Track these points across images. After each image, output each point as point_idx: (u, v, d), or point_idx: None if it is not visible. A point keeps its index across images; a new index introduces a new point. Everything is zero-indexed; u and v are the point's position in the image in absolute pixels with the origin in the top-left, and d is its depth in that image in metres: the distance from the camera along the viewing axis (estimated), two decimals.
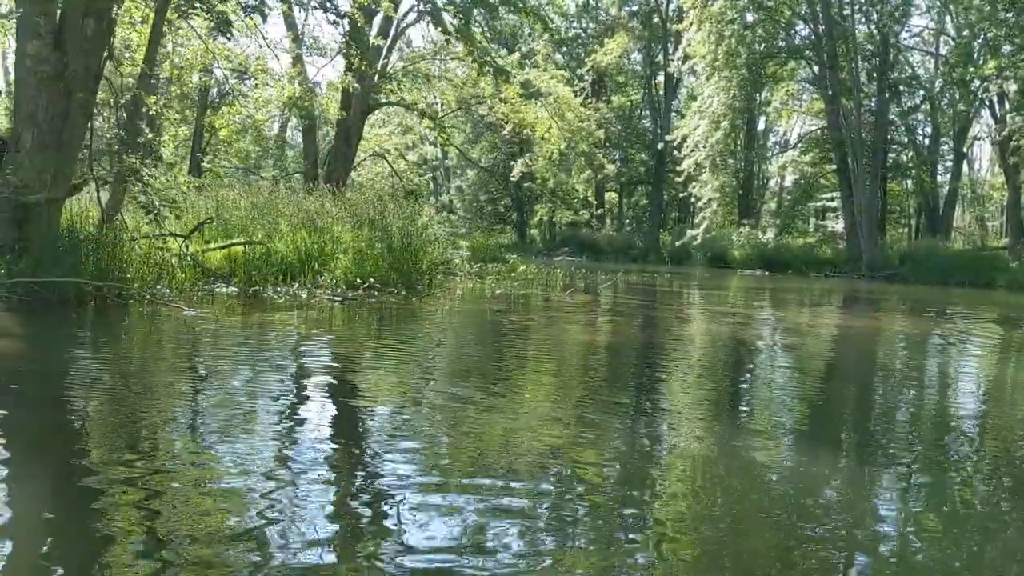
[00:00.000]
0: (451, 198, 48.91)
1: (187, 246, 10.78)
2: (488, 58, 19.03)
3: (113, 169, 9.30)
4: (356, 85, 17.47)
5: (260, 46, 17.82)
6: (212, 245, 11.66)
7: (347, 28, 13.23)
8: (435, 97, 28.60)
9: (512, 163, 30.65)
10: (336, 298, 10.23)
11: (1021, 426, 5.12)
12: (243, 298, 9.94)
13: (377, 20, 22.43)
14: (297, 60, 22.78)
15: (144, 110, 11.13)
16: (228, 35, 10.76)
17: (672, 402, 5.39)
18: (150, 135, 9.81)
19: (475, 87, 26.10)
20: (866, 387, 6.63)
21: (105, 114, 12.11)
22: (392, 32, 24.15)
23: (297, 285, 10.82)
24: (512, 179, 29.16)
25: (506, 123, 27.29)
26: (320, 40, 20.68)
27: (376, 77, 23.27)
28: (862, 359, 8.38)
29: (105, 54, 9.70)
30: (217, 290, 10.30)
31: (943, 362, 8.17)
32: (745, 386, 6.35)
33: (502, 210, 49.06)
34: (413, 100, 25.82)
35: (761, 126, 46.57)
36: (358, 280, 11.07)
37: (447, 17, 17.22)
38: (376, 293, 10.97)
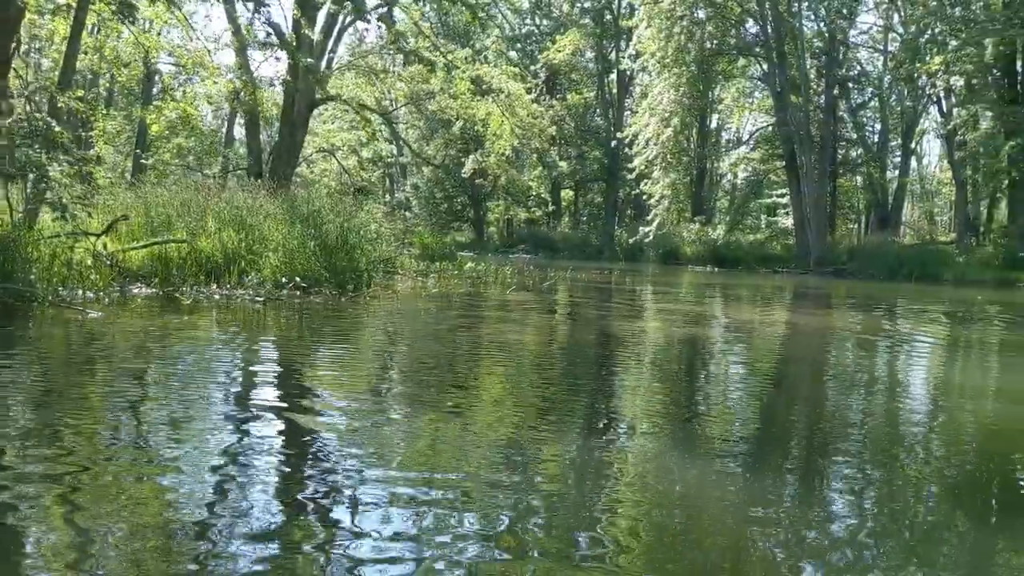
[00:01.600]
0: (407, 195, 48.40)
1: (105, 245, 10.37)
2: (415, 47, 18.74)
3: (16, 165, 8.85)
4: (288, 79, 17.05)
5: (192, 39, 17.30)
6: (135, 244, 11.25)
7: (269, 16, 12.81)
8: (385, 93, 28.22)
9: (465, 160, 30.31)
10: (258, 299, 9.88)
11: (967, 426, 5.02)
12: (159, 299, 9.55)
13: (322, 15, 22.04)
14: (239, 53, 22.28)
15: (59, 104, 10.69)
16: (132, 21, 10.35)
17: (597, 406, 5.16)
18: (57, 128, 9.34)
19: (424, 82, 25.81)
20: (806, 386, 6.47)
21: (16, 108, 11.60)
22: (337, 27, 23.71)
23: (216, 285, 10.43)
24: (464, 176, 28.79)
25: (456, 119, 26.96)
26: (258, 36, 20.04)
27: (321, 72, 22.87)
28: (804, 358, 8.24)
29: (13, 44, 9.27)
30: (134, 291, 9.91)
31: (883, 361, 8.04)
32: (672, 386, 6.14)
33: (459, 208, 48.70)
34: (356, 95, 25.41)
35: (714, 123, 46.74)
36: (283, 280, 10.70)
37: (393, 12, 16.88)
38: (304, 293, 10.63)
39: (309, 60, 18.06)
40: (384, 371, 6.16)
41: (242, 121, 31.03)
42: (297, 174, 37.01)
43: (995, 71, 27.36)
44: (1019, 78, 27.36)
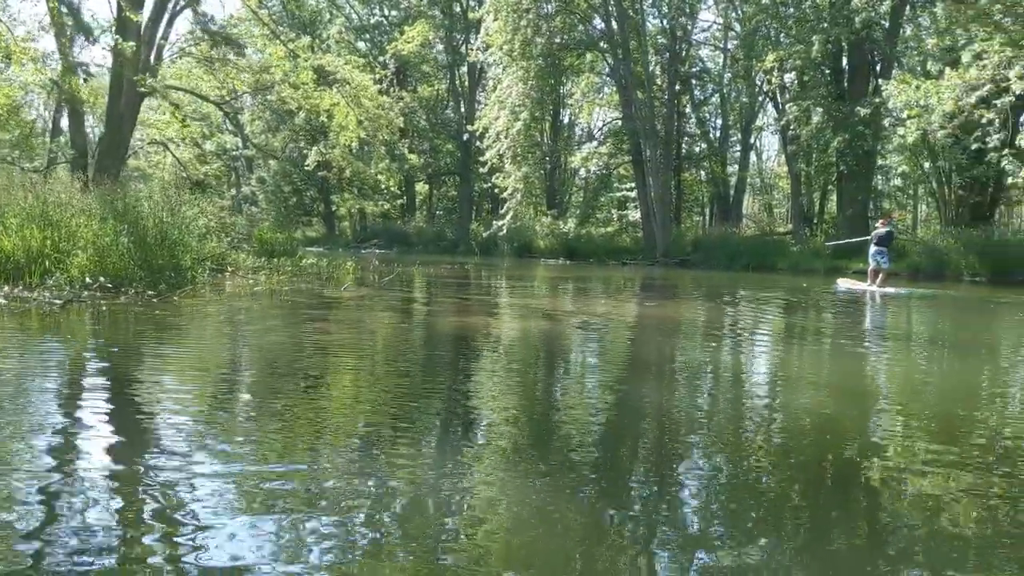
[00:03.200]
0: (252, 189, 46.67)
1: None
2: (222, 30, 18.02)
3: None
4: (83, 67, 15.93)
5: None
6: None
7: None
8: (223, 82, 26.92)
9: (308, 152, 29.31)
10: (56, 300, 9.04)
11: (802, 414, 5.02)
12: None
13: (149, 1, 20.88)
14: (57, 38, 20.78)
15: None
16: None
17: (380, 415, 4.85)
18: None
19: (264, 71, 24.88)
20: (654, 382, 6.34)
21: None
22: (168, 13, 22.45)
23: (7, 287, 9.53)
24: (306, 168, 27.85)
25: (298, 110, 26.08)
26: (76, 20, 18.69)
27: (152, 60, 21.70)
28: (650, 352, 8.17)
29: None
30: None
31: (717, 352, 8.07)
32: (513, 387, 5.90)
33: (308, 202, 47.37)
34: (195, 85, 24.21)
35: (567, 118, 47.07)
36: (87, 279, 9.90)
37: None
38: (111, 293, 9.85)
39: (131, 45, 16.96)
40: (143, 379, 5.64)
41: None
42: (134, 168, 35.15)
43: (824, 68, 28.65)
44: (845, 75, 28.75)
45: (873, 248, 17.69)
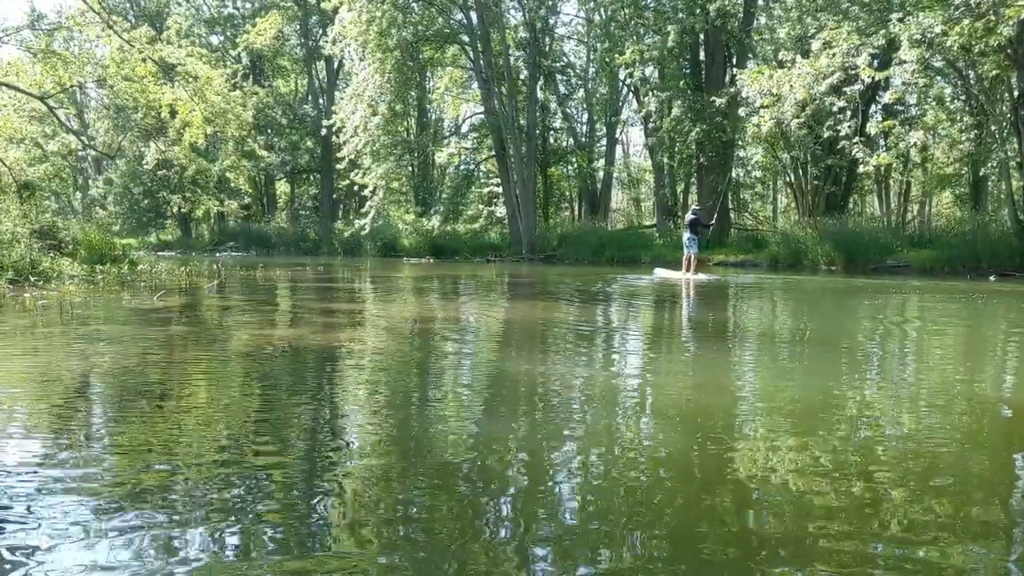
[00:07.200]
0: (101, 191, 43.78)
1: None
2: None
3: None
4: None
5: None
6: None
7: None
8: (50, 75, 24.79)
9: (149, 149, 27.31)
10: None
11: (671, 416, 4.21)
12: None
13: None
14: None
15: None
16: None
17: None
18: None
19: (100, 66, 23.09)
20: (525, 394, 5.48)
21: None
22: None
23: None
24: (145, 166, 25.91)
25: (135, 107, 24.31)
26: None
27: None
28: (514, 356, 7.31)
29: None
30: None
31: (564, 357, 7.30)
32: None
33: (161, 203, 44.71)
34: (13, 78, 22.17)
35: (434, 113, 45.87)
36: None
37: None
38: None
39: None
40: None
41: None
42: None
43: (682, 59, 28.70)
44: (702, 67, 28.87)
45: (685, 236, 18.23)
